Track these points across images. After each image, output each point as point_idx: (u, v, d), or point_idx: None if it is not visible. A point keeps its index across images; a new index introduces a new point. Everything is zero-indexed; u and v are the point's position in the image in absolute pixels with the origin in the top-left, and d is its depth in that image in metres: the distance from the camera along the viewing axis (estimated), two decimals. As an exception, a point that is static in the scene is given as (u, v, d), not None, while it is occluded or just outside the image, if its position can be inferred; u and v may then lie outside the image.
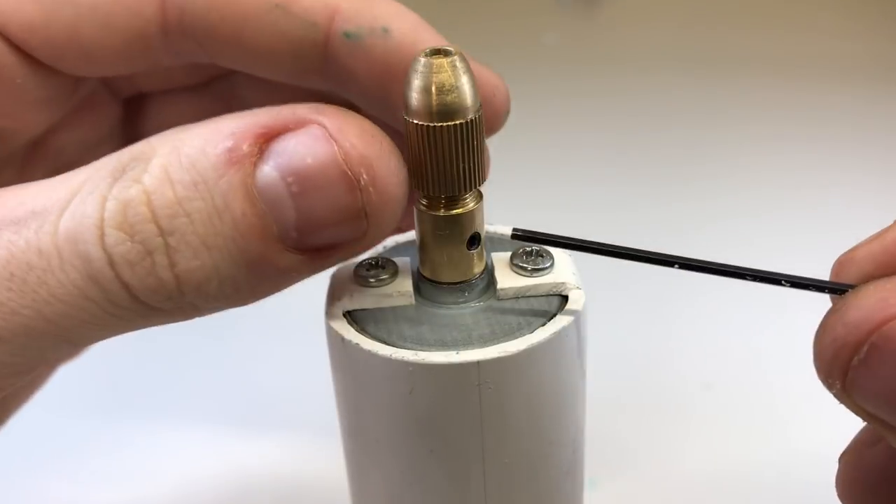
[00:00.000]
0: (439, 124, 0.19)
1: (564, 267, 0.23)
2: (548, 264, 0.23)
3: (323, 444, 0.36)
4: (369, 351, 0.21)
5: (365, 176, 0.19)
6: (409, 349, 0.20)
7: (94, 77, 0.25)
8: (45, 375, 0.28)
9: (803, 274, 0.20)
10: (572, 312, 0.21)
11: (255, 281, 0.19)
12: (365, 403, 0.22)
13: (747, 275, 0.20)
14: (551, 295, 0.22)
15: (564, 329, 0.21)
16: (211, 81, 0.27)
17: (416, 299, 0.22)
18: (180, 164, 0.18)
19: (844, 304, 0.17)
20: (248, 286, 0.19)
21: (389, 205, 0.20)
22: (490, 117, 0.22)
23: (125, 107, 0.28)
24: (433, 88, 0.19)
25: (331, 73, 0.22)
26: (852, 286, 0.18)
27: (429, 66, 0.19)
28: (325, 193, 0.19)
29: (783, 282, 0.20)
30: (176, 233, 0.18)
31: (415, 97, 0.19)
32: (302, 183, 0.19)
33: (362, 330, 0.21)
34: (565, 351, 0.21)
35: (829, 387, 0.18)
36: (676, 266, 0.20)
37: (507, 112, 0.23)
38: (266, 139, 0.19)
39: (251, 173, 0.18)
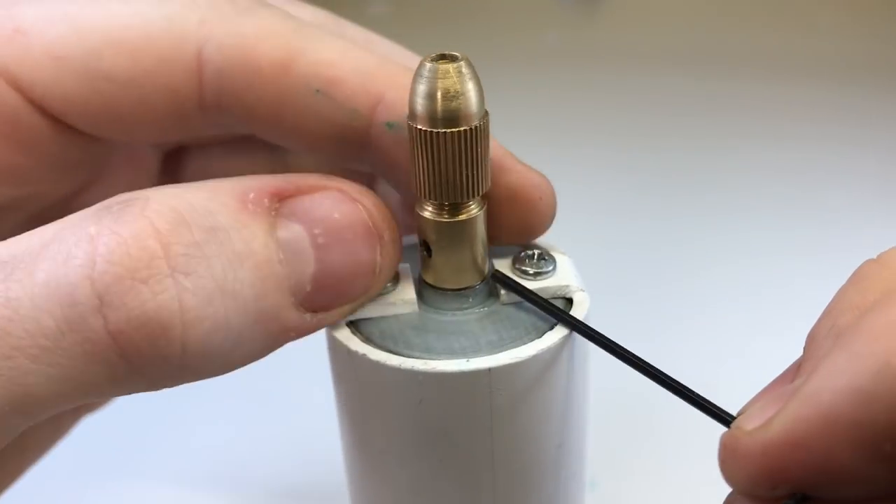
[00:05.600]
0: (444, 130, 0.19)
1: (567, 269, 0.23)
2: (550, 267, 0.22)
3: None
4: (377, 362, 0.20)
5: (386, 234, 0.20)
6: (417, 358, 0.20)
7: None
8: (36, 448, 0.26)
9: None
10: (578, 315, 0.21)
11: (257, 337, 0.19)
12: (371, 414, 0.22)
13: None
14: (556, 298, 0.22)
15: (572, 332, 0.21)
16: (250, 135, 0.27)
17: (419, 306, 0.22)
18: (194, 209, 0.18)
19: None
20: (249, 342, 0.18)
21: (394, 265, 0.21)
22: (536, 223, 0.22)
23: (164, 160, 0.27)
24: (438, 94, 0.19)
25: (372, 158, 0.22)
26: None
27: (434, 72, 0.19)
28: (349, 248, 0.19)
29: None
30: (192, 274, 0.17)
31: (420, 102, 0.19)
32: (328, 235, 0.19)
33: (367, 340, 0.21)
34: (574, 354, 0.21)
35: None
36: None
37: (553, 216, 0.22)
38: (280, 199, 0.19)
39: (274, 224, 0.18)
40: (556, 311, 0.21)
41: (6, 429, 0.17)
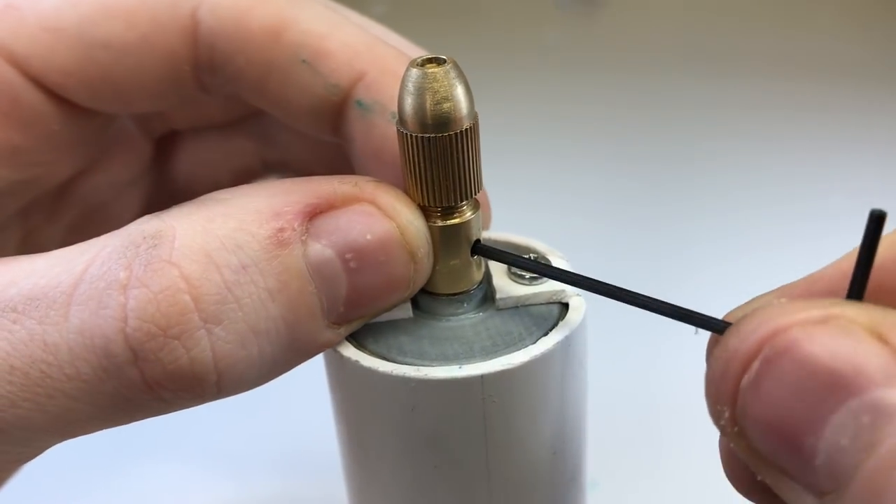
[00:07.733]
0: (435, 135, 0.19)
1: (563, 274, 0.22)
2: (546, 272, 0.22)
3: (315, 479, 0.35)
4: (369, 368, 0.20)
5: (420, 251, 0.20)
6: (410, 364, 0.20)
7: (126, 115, 0.25)
8: None
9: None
10: (574, 321, 0.21)
11: (290, 361, 0.19)
12: (366, 421, 0.21)
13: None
14: (551, 303, 0.22)
15: (567, 338, 0.21)
16: (242, 119, 0.27)
17: (413, 312, 0.22)
18: (223, 246, 0.17)
19: (740, 318, 0.15)
20: (283, 367, 0.19)
21: (427, 274, 0.21)
22: None
23: (156, 146, 0.27)
24: (427, 98, 0.19)
25: (341, 132, 0.22)
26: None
27: (422, 76, 0.19)
28: (382, 269, 0.19)
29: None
30: (224, 321, 0.17)
31: (409, 107, 0.19)
32: (361, 259, 0.19)
33: (360, 346, 0.21)
34: (568, 360, 0.21)
35: (718, 417, 0.16)
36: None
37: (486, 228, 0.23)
38: (310, 217, 0.19)
39: (304, 252, 0.18)
40: (539, 267, 0.21)
41: (44, 447, 0.18)
